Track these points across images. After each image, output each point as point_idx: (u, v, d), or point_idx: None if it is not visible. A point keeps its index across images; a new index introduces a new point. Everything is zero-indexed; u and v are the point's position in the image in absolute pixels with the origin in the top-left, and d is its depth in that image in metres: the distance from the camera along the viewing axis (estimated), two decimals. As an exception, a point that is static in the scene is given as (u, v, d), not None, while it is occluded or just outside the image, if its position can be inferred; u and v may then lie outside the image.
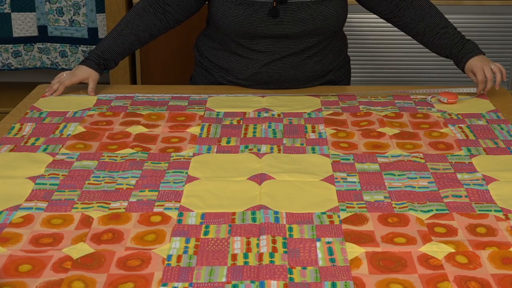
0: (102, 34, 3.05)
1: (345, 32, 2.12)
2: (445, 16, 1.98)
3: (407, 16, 1.96)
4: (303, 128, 1.67)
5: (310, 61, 1.96)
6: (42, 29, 3.07)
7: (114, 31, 1.96)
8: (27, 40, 3.08)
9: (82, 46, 3.08)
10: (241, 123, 1.70)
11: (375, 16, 2.07)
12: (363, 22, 2.72)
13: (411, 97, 1.89)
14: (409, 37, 2.04)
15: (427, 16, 1.94)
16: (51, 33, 3.08)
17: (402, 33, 2.05)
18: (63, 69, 3.12)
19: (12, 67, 3.11)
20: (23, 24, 3.05)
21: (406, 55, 2.86)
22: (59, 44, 3.09)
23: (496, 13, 2.98)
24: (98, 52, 1.93)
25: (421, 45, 2.03)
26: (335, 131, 1.66)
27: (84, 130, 1.66)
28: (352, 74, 2.23)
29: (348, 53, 2.16)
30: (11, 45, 3.07)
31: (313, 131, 1.65)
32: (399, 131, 1.66)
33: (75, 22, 3.04)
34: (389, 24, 2.07)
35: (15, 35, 3.05)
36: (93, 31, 3.05)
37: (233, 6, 1.89)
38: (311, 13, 1.88)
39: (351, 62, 2.19)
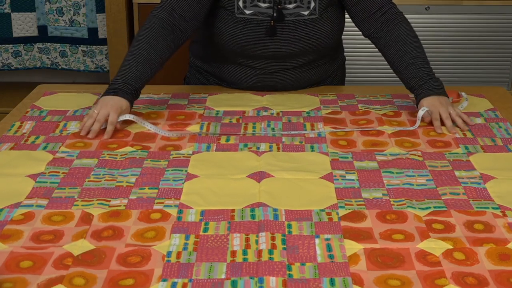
0: (102, 34, 3.05)
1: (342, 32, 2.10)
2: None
3: (383, 39, 1.85)
4: (302, 126, 1.68)
5: (306, 74, 1.95)
6: (42, 29, 3.08)
7: (138, 56, 1.72)
8: (27, 40, 3.09)
9: (82, 46, 3.09)
10: (240, 121, 1.71)
11: None
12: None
13: (410, 96, 1.89)
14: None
15: (400, 43, 1.82)
16: (51, 33, 3.09)
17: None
18: (63, 69, 3.15)
19: (12, 67, 3.12)
20: (23, 24, 3.06)
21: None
22: (59, 44, 3.10)
23: (496, 13, 2.98)
24: (127, 81, 1.69)
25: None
26: (334, 129, 1.66)
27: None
28: (348, 74, 2.23)
29: (344, 53, 2.15)
30: (11, 45, 3.08)
31: (312, 129, 1.66)
32: (397, 130, 1.66)
33: (75, 22, 3.06)
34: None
35: (15, 35, 3.07)
36: (93, 31, 3.06)
37: (231, 24, 1.85)
38: (307, 32, 1.85)
39: (347, 62, 2.18)
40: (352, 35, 2.75)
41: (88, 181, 1.41)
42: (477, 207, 1.31)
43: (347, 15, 1.96)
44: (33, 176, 1.42)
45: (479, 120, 1.73)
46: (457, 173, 1.45)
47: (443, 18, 2.98)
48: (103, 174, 1.44)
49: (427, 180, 1.42)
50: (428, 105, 1.70)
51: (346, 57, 2.18)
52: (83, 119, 1.66)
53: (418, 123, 1.69)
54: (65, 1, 3.02)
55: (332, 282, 1.08)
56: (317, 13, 1.84)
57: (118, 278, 1.09)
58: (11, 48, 3.09)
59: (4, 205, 1.30)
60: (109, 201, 1.32)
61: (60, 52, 3.11)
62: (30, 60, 3.13)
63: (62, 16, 3.04)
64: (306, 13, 1.84)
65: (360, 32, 1.94)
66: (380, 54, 1.90)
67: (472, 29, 3.01)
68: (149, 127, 1.66)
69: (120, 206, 1.31)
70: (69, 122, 1.71)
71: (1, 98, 3.14)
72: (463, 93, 1.88)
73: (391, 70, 1.88)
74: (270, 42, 1.86)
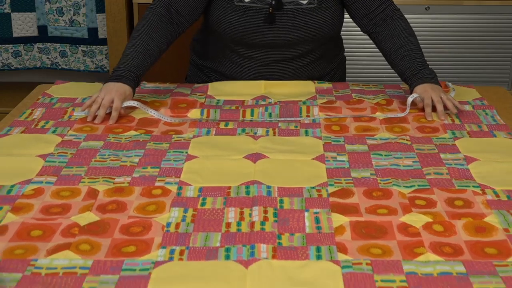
0: (102, 34, 3.04)
1: (342, 32, 2.12)
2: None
3: (381, 34, 1.93)
4: (298, 112, 1.76)
5: (305, 69, 2.00)
6: (42, 29, 3.07)
7: (139, 46, 1.81)
8: (27, 40, 3.08)
9: (82, 46, 3.08)
10: (239, 108, 1.79)
11: None
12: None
13: (401, 86, 1.97)
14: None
15: (396, 37, 1.89)
16: (51, 33, 3.08)
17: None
18: (63, 69, 3.14)
19: (12, 67, 3.11)
20: (23, 24, 3.05)
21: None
22: (59, 44, 3.09)
23: (496, 13, 2.99)
24: (129, 68, 1.78)
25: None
26: (328, 116, 1.75)
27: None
28: (348, 74, 2.26)
29: (345, 54, 2.18)
30: (11, 45, 3.07)
31: (308, 115, 1.74)
32: (389, 117, 1.74)
33: (75, 22, 3.05)
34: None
35: (15, 35, 3.06)
36: (93, 31, 3.05)
37: (229, 12, 1.90)
38: (307, 20, 1.90)
39: (347, 62, 2.21)
40: (353, 35, 2.80)
41: (94, 160, 1.50)
42: (458, 186, 1.39)
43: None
44: (43, 156, 1.51)
45: (467, 108, 1.81)
46: (442, 155, 1.53)
47: (443, 18, 2.99)
48: (108, 155, 1.53)
49: (413, 161, 1.50)
50: (420, 92, 1.78)
51: (347, 58, 2.21)
52: (86, 103, 1.74)
53: (408, 109, 1.77)
54: (65, 1, 3.01)
55: (318, 250, 1.16)
56: (315, 3, 1.91)
57: (121, 246, 1.18)
58: (11, 48, 3.08)
59: (16, 181, 1.39)
60: (114, 178, 1.42)
61: (60, 52, 3.10)
62: (30, 60, 3.12)
63: (62, 16, 3.03)
64: (304, 2, 1.90)
65: (361, 34, 1.98)
66: (381, 55, 1.96)
67: (472, 29, 3.01)
68: (152, 113, 1.75)
69: (123, 183, 1.40)
70: (76, 107, 1.79)
71: (1, 98, 3.12)
72: (449, 84, 1.95)
73: (392, 71, 1.93)
74: (268, 30, 1.90)
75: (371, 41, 2.01)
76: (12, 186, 1.38)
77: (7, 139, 1.61)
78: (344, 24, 2.04)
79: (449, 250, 1.17)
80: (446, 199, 1.34)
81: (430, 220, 1.26)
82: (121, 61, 1.80)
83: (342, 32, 2.13)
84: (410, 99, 1.77)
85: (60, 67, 3.12)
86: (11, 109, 1.83)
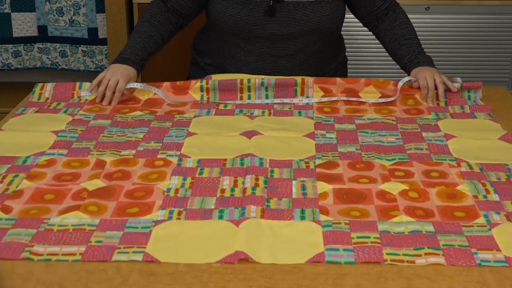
0: (102, 34, 3.02)
1: (342, 32, 2.17)
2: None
3: (381, 26, 2.03)
4: (293, 92, 1.86)
5: (304, 66, 2.03)
6: (42, 29, 3.06)
7: (142, 33, 1.95)
8: (27, 40, 3.07)
9: (82, 46, 3.06)
10: (237, 80, 1.88)
11: None
12: (360, 23, 2.79)
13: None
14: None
15: (396, 28, 2.00)
16: (51, 33, 3.07)
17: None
18: (63, 69, 3.14)
19: (12, 67, 3.10)
20: (23, 24, 3.04)
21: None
22: (59, 44, 3.08)
23: (496, 13, 2.99)
24: (135, 52, 1.90)
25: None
26: (322, 98, 1.85)
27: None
28: (349, 75, 2.29)
29: (346, 54, 2.22)
30: (11, 45, 3.06)
31: (302, 94, 1.86)
32: (380, 101, 1.85)
33: (75, 22, 3.04)
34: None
35: (15, 35, 3.05)
36: (93, 31, 3.03)
37: (230, 5, 1.94)
38: (307, 14, 1.94)
39: (348, 62, 2.24)
40: (355, 36, 2.84)
41: (102, 136, 1.63)
42: (436, 159, 1.52)
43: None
44: (55, 132, 1.65)
45: (456, 85, 1.89)
46: (424, 134, 1.65)
47: (443, 18, 2.99)
48: (115, 132, 1.66)
49: (396, 138, 1.62)
50: (415, 73, 1.87)
51: (349, 59, 2.25)
52: (92, 83, 1.87)
53: (398, 93, 1.87)
54: (65, 1, 3.00)
55: (302, 212, 1.29)
56: None
57: (125, 207, 1.31)
58: (11, 48, 3.06)
59: (30, 153, 1.53)
60: (120, 151, 1.55)
61: (60, 52, 3.09)
62: (30, 60, 3.10)
63: (62, 16, 3.02)
64: None
65: (363, 34, 2.06)
66: (383, 56, 2.04)
67: (472, 29, 3.00)
68: (155, 91, 1.87)
69: (129, 155, 1.53)
70: (84, 83, 1.91)
71: (1, 98, 3.10)
72: (458, 79, 1.93)
73: (393, 72, 2.01)
74: (269, 22, 1.95)
75: (373, 41, 2.06)
76: (27, 157, 1.51)
77: (23, 118, 1.75)
78: (346, 24, 2.08)
79: (421, 213, 1.29)
80: (423, 171, 1.46)
81: (407, 188, 1.38)
82: (127, 45, 1.94)
83: (343, 33, 2.17)
84: (400, 84, 1.88)
85: (60, 67, 3.12)
86: (11, 109, 1.85)
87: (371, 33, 2.11)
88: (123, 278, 1.11)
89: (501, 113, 1.81)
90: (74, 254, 1.17)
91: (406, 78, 1.89)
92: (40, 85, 1.91)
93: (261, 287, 1.09)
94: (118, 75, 1.84)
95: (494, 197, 1.35)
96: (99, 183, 1.40)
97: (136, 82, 1.89)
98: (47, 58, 3.12)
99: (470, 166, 1.48)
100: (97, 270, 1.13)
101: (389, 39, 2.01)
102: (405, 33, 2.00)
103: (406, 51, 1.95)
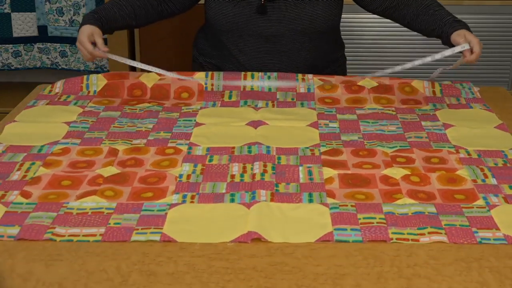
0: None
1: (342, 32, 2.15)
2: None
3: (398, 4, 1.95)
4: (294, 77, 1.92)
5: (300, 64, 2.01)
6: (42, 29, 3.09)
7: (111, 0, 1.95)
8: (27, 40, 3.09)
9: None
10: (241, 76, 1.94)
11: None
12: (360, 22, 2.70)
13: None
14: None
15: (419, 0, 1.94)
16: (51, 33, 3.09)
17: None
18: (63, 69, 3.15)
19: (12, 67, 3.12)
20: (23, 24, 3.06)
21: (404, 55, 2.86)
22: (59, 44, 3.10)
23: (496, 13, 3.01)
24: (94, 14, 1.89)
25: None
26: (321, 81, 1.90)
27: (106, 81, 1.92)
28: (348, 73, 2.26)
29: (345, 53, 2.20)
30: (11, 45, 3.08)
31: (303, 80, 1.92)
32: (376, 85, 1.91)
33: (75, 22, 3.06)
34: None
35: (15, 35, 3.07)
36: None
37: (224, 3, 1.95)
38: (299, 13, 1.93)
39: (347, 62, 2.23)
40: (354, 35, 2.84)
41: (113, 126, 1.69)
42: (435, 147, 1.58)
43: (353, 4, 2.05)
44: (67, 123, 1.70)
45: (446, 83, 1.98)
46: (423, 123, 1.72)
47: None
48: (125, 122, 1.72)
49: (397, 127, 1.69)
50: (456, 36, 1.82)
51: (348, 58, 2.23)
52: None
53: (458, 48, 1.81)
54: (65, 1, 3.02)
55: (310, 195, 1.35)
56: None
57: (140, 192, 1.37)
58: (11, 48, 3.08)
59: (45, 143, 1.59)
60: (131, 140, 1.61)
61: (60, 52, 3.11)
62: (30, 60, 3.13)
63: (62, 16, 3.04)
64: None
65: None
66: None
67: (472, 29, 2.97)
68: (161, 72, 1.91)
69: (140, 144, 1.59)
70: (90, 75, 1.95)
71: (1, 98, 3.12)
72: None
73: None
74: (261, 21, 1.94)
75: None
76: (42, 146, 1.57)
77: (35, 110, 1.80)
78: (346, 24, 2.08)
79: (423, 196, 1.35)
80: (424, 157, 1.53)
81: (408, 173, 1.45)
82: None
83: (342, 32, 2.15)
84: (458, 48, 1.80)
85: (60, 67, 3.14)
86: (11, 109, 1.85)
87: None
88: (123, 278, 1.12)
89: (501, 113, 1.81)
90: (95, 235, 1.22)
91: (458, 47, 1.81)
92: (49, 86, 1.96)
93: (261, 287, 1.10)
94: (83, 38, 1.82)
95: (492, 181, 1.41)
96: (113, 170, 1.46)
97: (101, 36, 1.86)
98: (47, 58, 3.15)
99: (468, 153, 1.55)
100: (97, 270, 1.14)
101: (415, 10, 1.93)
102: (431, 2, 1.93)
103: (439, 16, 1.88)
